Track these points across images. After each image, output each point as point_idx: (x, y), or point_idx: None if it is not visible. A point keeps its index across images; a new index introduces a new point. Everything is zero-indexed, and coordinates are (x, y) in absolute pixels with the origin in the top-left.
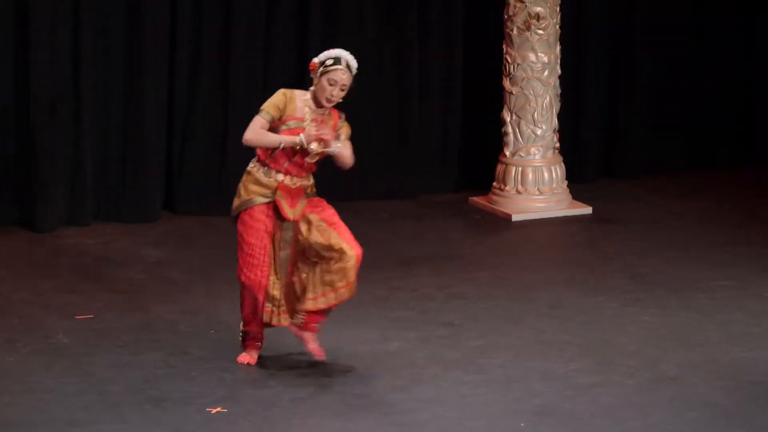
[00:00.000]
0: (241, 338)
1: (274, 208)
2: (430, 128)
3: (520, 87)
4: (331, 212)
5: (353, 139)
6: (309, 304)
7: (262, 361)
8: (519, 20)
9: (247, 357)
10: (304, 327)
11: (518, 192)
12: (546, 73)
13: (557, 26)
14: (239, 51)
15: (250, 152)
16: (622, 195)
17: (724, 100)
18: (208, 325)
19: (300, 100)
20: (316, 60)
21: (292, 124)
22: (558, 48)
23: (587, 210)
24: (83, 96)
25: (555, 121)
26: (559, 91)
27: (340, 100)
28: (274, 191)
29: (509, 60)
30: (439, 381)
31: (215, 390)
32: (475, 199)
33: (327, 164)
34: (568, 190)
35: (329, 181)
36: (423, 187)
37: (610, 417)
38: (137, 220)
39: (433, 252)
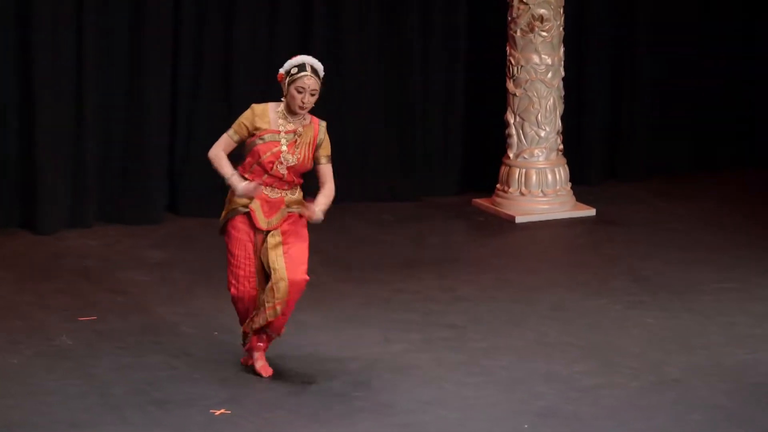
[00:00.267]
0: (242, 342)
1: (250, 216)
2: (434, 130)
3: (524, 89)
4: (294, 235)
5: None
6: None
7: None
8: (522, 22)
9: (250, 359)
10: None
11: (522, 194)
12: (549, 75)
13: (561, 28)
14: (241, 51)
15: None
16: (626, 197)
17: (727, 102)
18: (211, 327)
19: (273, 112)
20: (281, 70)
21: (267, 137)
22: (561, 50)
23: (591, 212)
24: (85, 97)
25: (559, 122)
26: (563, 93)
27: (313, 105)
28: (252, 200)
29: (513, 62)
30: (442, 383)
31: (218, 392)
32: (479, 201)
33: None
34: (571, 192)
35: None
36: (426, 189)
37: (613, 419)
38: (139, 222)
39: (436, 254)
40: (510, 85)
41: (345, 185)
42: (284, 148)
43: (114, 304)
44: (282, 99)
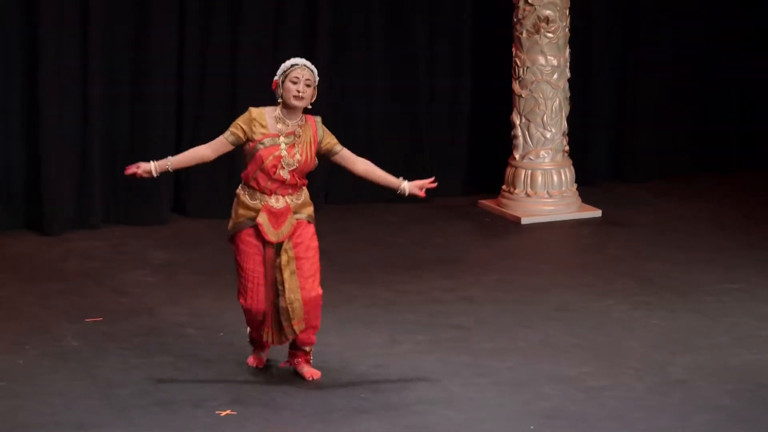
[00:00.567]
0: (249, 341)
1: (258, 230)
2: (440, 131)
3: (530, 90)
4: (304, 247)
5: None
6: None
7: (270, 364)
8: (528, 23)
9: (255, 360)
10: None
11: (527, 195)
12: (555, 76)
13: (566, 29)
14: (247, 54)
15: None
16: (631, 198)
17: (732, 105)
18: (217, 328)
19: (270, 117)
20: (276, 77)
21: (267, 142)
22: (567, 51)
23: (596, 213)
24: (91, 98)
25: (564, 124)
26: (569, 95)
27: (311, 101)
28: (258, 213)
29: (518, 63)
30: (448, 384)
31: (224, 393)
32: (485, 202)
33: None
34: (577, 193)
35: (338, 184)
36: (432, 190)
37: (619, 420)
38: (145, 223)
39: (442, 255)
40: (516, 87)
41: (351, 186)
42: (284, 152)
43: (119, 305)
44: (278, 101)
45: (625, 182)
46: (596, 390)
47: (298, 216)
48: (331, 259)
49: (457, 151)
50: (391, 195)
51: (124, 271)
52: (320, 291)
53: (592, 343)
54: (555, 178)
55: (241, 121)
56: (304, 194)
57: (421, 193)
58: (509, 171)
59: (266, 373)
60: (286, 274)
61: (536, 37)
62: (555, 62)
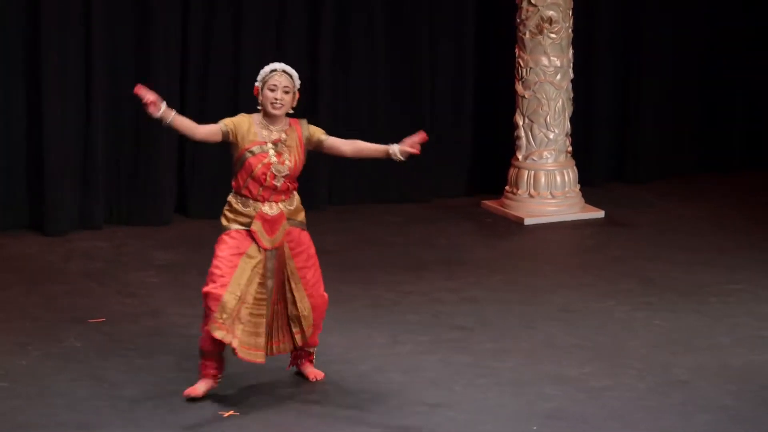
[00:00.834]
0: (200, 364)
1: (253, 238)
2: (443, 132)
3: (533, 91)
4: (305, 256)
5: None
6: (283, 347)
7: (274, 365)
8: (531, 24)
9: (190, 389)
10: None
11: (531, 196)
12: (558, 76)
13: (569, 30)
14: (250, 54)
15: None
16: (634, 199)
17: (734, 105)
18: None
19: (257, 125)
20: (256, 83)
21: (255, 149)
22: (570, 52)
23: (599, 214)
24: (94, 99)
25: (567, 124)
26: (572, 95)
27: (291, 106)
28: (252, 220)
29: (522, 64)
30: (451, 384)
31: (227, 394)
32: (488, 202)
33: (339, 167)
34: (580, 194)
35: (340, 184)
36: (435, 190)
37: (621, 420)
38: (148, 224)
39: (445, 256)
40: (519, 87)
41: (354, 186)
42: (273, 159)
43: (122, 306)
44: (259, 108)
45: (627, 183)
46: (598, 390)
47: (291, 222)
48: (333, 260)
49: (460, 152)
50: (394, 196)
51: (127, 272)
52: (326, 296)
53: (594, 344)
54: (558, 178)
55: (234, 119)
56: (296, 199)
57: (415, 150)
58: (512, 171)
59: (269, 374)
60: (293, 284)
61: (539, 37)
62: (558, 63)
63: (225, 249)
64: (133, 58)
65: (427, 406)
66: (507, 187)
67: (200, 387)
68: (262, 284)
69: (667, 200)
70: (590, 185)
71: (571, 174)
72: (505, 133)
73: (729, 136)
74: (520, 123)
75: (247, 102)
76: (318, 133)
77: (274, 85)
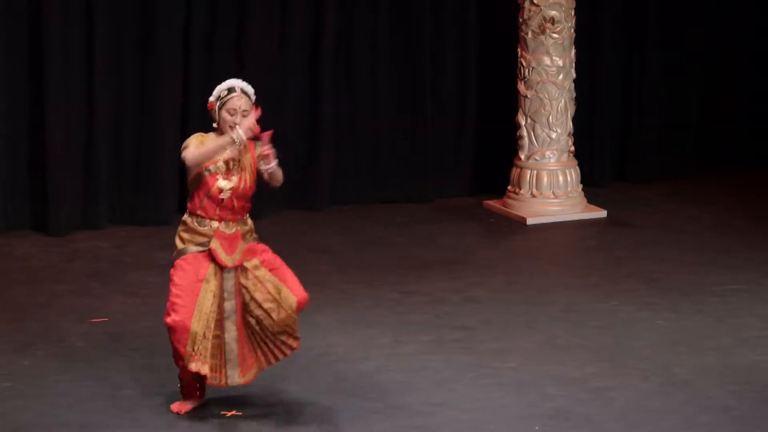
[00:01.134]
0: (179, 386)
1: (212, 257)
2: (445, 132)
3: (535, 90)
4: (271, 258)
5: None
6: (259, 366)
7: (277, 365)
8: (534, 24)
9: (178, 405)
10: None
11: (533, 195)
12: (561, 76)
13: (572, 30)
14: (253, 54)
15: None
16: (637, 199)
17: (737, 105)
18: None
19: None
20: (211, 98)
21: (212, 168)
22: (573, 52)
23: (602, 214)
24: (97, 99)
25: (570, 124)
26: (574, 95)
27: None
28: (210, 239)
29: (524, 63)
30: (453, 384)
31: (230, 393)
32: (490, 202)
33: (340, 168)
34: (582, 193)
35: (342, 184)
36: (437, 190)
37: (624, 421)
38: (151, 224)
39: (448, 256)
40: (521, 87)
41: (357, 187)
42: (220, 179)
43: (126, 306)
44: (214, 126)
45: (630, 183)
46: (601, 391)
47: (247, 241)
48: (336, 260)
49: (463, 152)
50: (399, 196)
51: (130, 272)
52: (306, 294)
53: (597, 344)
54: (560, 178)
55: (192, 139)
56: (250, 221)
57: (269, 151)
58: (514, 171)
59: (272, 373)
60: (271, 288)
61: (542, 37)
62: (560, 63)
63: (184, 276)
64: (137, 57)
65: (429, 406)
66: (509, 187)
67: (188, 404)
68: (218, 306)
69: (670, 200)
70: (593, 185)
71: (573, 174)
72: (507, 132)
73: (732, 136)
74: (523, 123)
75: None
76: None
77: (234, 109)
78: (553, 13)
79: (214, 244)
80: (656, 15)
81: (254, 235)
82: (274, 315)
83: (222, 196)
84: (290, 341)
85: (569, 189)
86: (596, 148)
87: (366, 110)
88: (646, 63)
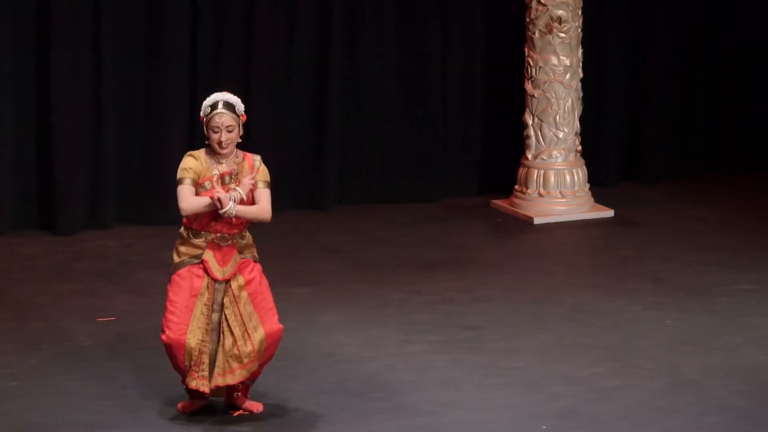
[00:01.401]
0: (185, 387)
1: (205, 269)
2: (452, 131)
3: (542, 90)
4: (257, 282)
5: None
6: (218, 380)
7: (284, 364)
8: (541, 23)
9: (184, 404)
10: (232, 398)
11: (540, 195)
12: (568, 76)
13: (579, 29)
14: (261, 54)
15: (273, 151)
16: (644, 199)
17: (744, 105)
18: None
19: (207, 158)
20: (201, 113)
21: (207, 184)
22: (580, 51)
23: (609, 213)
24: (104, 98)
25: (577, 124)
26: (581, 95)
27: (238, 141)
28: (204, 251)
29: (531, 63)
30: (461, 384)
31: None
32: (497, 202)
33: (348, 167)
34: (590, 193)
35: (350, 184)
36: (445, 190)
37: (631, 420)
38: (158, 223)
39: (455, 255)
40: (528, 87)
41: (364, 186)
42: (230, 200)
43: (133, 305)
44: (206, 142)
45: (637, 182)
46: (609, 390)
47: (242, 256)
48: (344, 260)
49: (470, 151)
50: (406, 196)
51: (137, 271)
52: (281, 327)
53: (605, 344)
54: (567, 178)
55: (188, 165)
56: (248, 236)
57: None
58: (522, 171)
59: (280, 372)
60: (243, 310)
61: (549, 37)
62: (567, 62)
63: (179, 292)
64: (144, 57)
65: (437, 406)
66: (516, 187)
67: (194, 404)
68: (209, 316)
69: (677, 200)
70: (600, 185)
71: (580, 173)
72: (514, 132)
73: (740, 136)
74: (530, 122)
75: (258, 99)
76: (262, 177)
77: (217, 127)
78: (560, 12)
79: (207, 256)
80: (663, 14)
81: (253, 252)
82: (239, 342)
83: (223, 212)
84: (249, 367)
85: (576, 188)
86: (603, 148)
87: (372, 110)
88: (653, 62)
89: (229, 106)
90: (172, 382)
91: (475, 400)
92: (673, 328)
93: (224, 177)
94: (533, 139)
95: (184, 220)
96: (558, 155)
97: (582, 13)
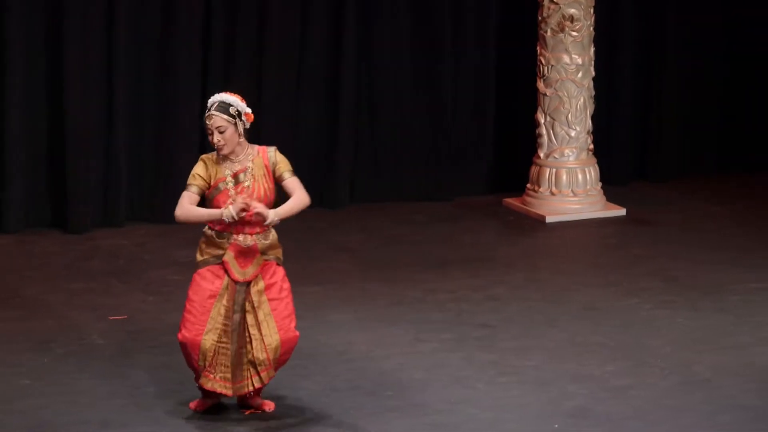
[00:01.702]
0: (197, 385)
1: (225, 268)
2: (465, 130)
3: (554, 89)
4: (277, 289)
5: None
6: (237, 387)
7: (296, 363)
8: (553, 22)
9: (197, 402)
10: (244, 397)
11: (552, 194)
12: (580, 74)
13: (591, 28)
14: (273, 51)
15: (285, 150)
16: (656, 197)
17: (756, 103)
18: None
19: (220, 161)
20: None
21: (221, 186)
22: (592, 50)
23: (621, 212)
24: (116, 97)
25: (589, 122)
26: (593, 93)
27: (237, 140)
28: (225, 251)
29: (543, 62)
30: (473, 382)
31: None
32: (509, 200)
33: (361, 166)
34: (602, 191)
35: (362, 182)
36: (457, 188)
37: (643, 419)
38: (171, 221)
39: (468, 254)
40: (540, 85)
41: (377, 185)
42: (231, 191)
43: (145, 303)
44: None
45: (649, 181)
46: (620, 389)
47: (266, 257)
48: (356, 258)
49: (482, 150)
50: (418, 195)
51: (149, 270)
52: (297, 334)
53: (617, 342)
54: (580, 176)
55: (197, 171)
56: (272, 235)
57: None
58: (534, 169)
59: (292, 371)
60: (261, 316)
61: (561, 35)
62: (579, 61)
63: (198, 291)
64: (156, 55)
65: (449, 404)
66: (528, 185)
67: (206, 402)
68: (228, 317)
69: (689, 199)
70: (612, 183)
71: (592, 172)
72: (526, 131)
73: (752, 134)
74: (542, 121)
75: (270, 98)
76: (283, 167)
77: (210, 129)
78: (573, 11)
79: (228, 257)
80: (676, 12)
81: (278, 254)
82: (255, 350)
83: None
84: (263, 375)
85: (588, 187)
86: (615, 147)
87: (386, 108)
88: (665, 61)
89: (221, 107)
90: (183, 381)
91: (487, 398)
92: (685, 327)
93: (238, 175)
94: (545, 137)
95: (208, 222)
96: (570, 154)
97: (594, 12)
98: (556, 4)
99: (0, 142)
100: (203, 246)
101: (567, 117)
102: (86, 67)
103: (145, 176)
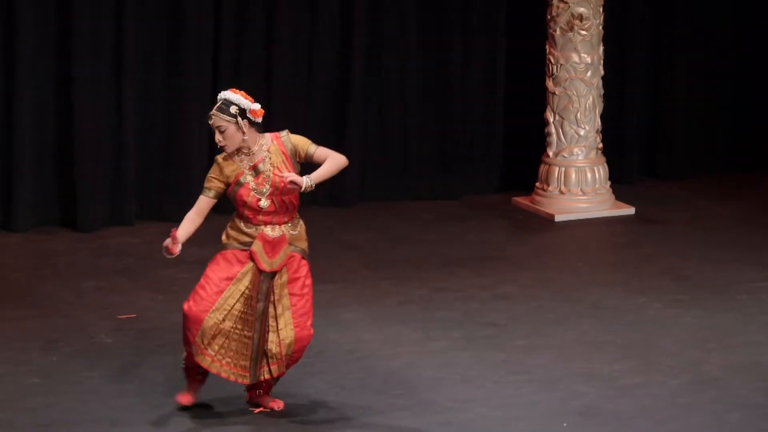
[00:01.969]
0: (183, 368)
1: (252, 259)
2: (474, 129)
3: (563, 87)
4: (300, 284)
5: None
6: (251, 378)
7: (305, 361)
8: (562, 21)
9: (185, 397)
10: (253, 395)
11: (561, 192)
12: (589, 73)
13: (600, 27)
14: (282, 51)
15: None
16: (665, 196)
17: (767, 102)
18: None
19: (235, 158)
20: None
21: (242, 180)
22: (601, 49)
23: (630, 211)
24: (125, 95)
25: (598, 121)
26: (602, 92)
27: (240, 140)
28: (253, 240)
29: (552, 60)
30: (483, 381)
31: None
32: (518, 199)
33: (369, 164)
34: (611, 190)
35: (371, 181)
36: (466, 187)
37: (652, 418)
38: (180, 220)
39: (476, 252)
40: (549, 84)
41: (386, 184)
42: (251, 184)
43: (154, 302)
44: None
45: (659, 180)
46: (629, 388)
47: (293, 248)
48: (365, 257)
49: (491, 149)
50: (427, 193)
51: (159, 268)
52: (312, 332)
53: (627, 341)
54: (589, 175)
55: (211, 174)
56: (300, 226)
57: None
58: (543, 168)
59: (301, 369)
60: (279, 309)
61: (570, 34)
62: (589, 59)
63: (216, 270)
64: (165, 55)
65: (458, 403)
66: (537, 184)
67: (191, 394)
68: (249, 305)
69: (699, 197)
70: (621, 182)
71: (601, 171)
72: (535, 129)
73: (763, 133)
74: (551, 120)
75: (279, 98)
76: (304, 144)
77: (214, 130)
78: (582, 9)
79: (256, 247)
80: (685, 11)
81: (304, 246)
82: (271, 342)
83: (260, 204)
84: (273, 368)
85: (597, 186)
86: (625, 145)
87: (394, 107)
88: (675, 60)
89: (222, 107)
90: None
91: (496, 397)
92: (695, 326)
93: (257, 166)
94: (554, 136)
95: (235, 216)
96: (579, 152)
97: (603, 11)
98: (566, 2)
99: (9, 141)
100: (230, 230)
101: (576, 116)
102: (95, 65)
103: (154, 175)
